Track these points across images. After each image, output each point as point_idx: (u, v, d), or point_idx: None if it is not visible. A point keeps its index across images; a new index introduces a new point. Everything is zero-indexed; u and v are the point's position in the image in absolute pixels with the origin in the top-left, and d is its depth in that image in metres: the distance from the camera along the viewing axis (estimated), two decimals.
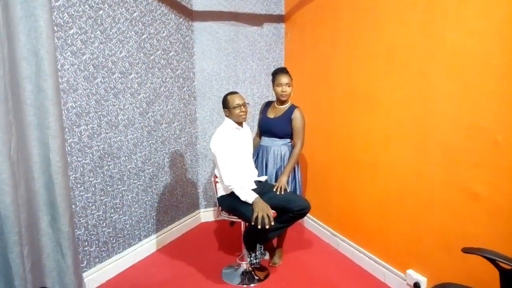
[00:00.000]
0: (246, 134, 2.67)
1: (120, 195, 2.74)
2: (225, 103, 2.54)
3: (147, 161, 2.97)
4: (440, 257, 2.17)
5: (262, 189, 2.59)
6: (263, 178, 2.72)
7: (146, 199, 3.00)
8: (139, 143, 2.87)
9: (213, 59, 3.52)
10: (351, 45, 2.80)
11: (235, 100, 2.49)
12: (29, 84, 1.93)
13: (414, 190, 2.32)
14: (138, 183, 2.90)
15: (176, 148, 3.30)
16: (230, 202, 2.47)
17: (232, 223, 2.59)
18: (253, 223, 2.25)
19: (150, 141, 2.99)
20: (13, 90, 1.87)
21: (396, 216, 2.49)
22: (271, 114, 2.82)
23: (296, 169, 2.80)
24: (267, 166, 2.78)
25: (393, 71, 2.41)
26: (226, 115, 2.58)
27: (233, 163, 2.45)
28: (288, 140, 2.79)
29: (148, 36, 2.89)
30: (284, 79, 2.69)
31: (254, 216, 2.24)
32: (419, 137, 2.25)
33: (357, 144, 2.81)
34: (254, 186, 2.57)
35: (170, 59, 3.14)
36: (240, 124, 2.58)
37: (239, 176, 2.47)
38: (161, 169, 3.14)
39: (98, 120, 2.50)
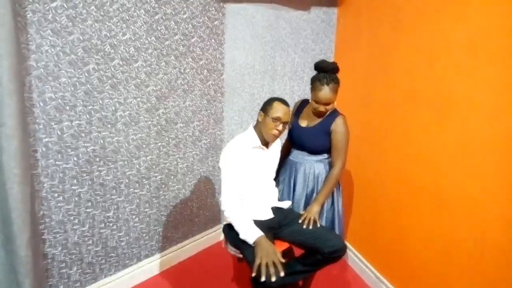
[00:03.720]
0: (271, 156, 2.07)
1: (115, 207, 2.27)
2: (266, 107, 1.96)
3: (153, 166, 2.48)
4: None
5: (283, 219, 1.99)
6: (285, 204, 2.10)
7: (150, 212, 2.51)
8: (143, 145, 2.38)
9: (247, 48, 2.94)
10: (418, 34, 2.07)
11: (279, 111, 1.91)
12: None
13: (499, 241, 1.58)
14: (140, 193, 2.42)
15: (194, 152, 2.78)
16: (234, 236, 1.89)
17: (240, 259, 2.01)
18: (253, 274, 1.65)
19: (160, 143, 2.49)
20: None
21: (469, 273, 1.75)
22: (304, 121, 2.18)
23: (335, 194, 2.14)
24: (295, 188, 2.15)
25: (477, 68, 1.68)
26: (258, 120, 2.00)
27: (240, 188, 1.88)
28: (325, 155, 2.14)
29: (164, 17, 2.38)
30: (324, 94, 2.00)
31: (256, 263, 1.65)
32: None
33: (417, 164, 2.08)
34: (270, 215, 1.97)
35: (192, 46, 2.61)
36: (265, 143, 2.00)
37: (244, 206, 1.90)
38: (172, 177, 2.63)
39: (88, 116, 2.04)
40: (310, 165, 2.12)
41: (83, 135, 2.03)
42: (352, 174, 2.80)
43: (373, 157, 2.53)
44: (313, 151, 2.11)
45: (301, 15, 3.00)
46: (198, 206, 2.91)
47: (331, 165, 2.11)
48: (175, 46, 2.48)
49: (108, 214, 2.24)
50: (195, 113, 2.73)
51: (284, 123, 1.93)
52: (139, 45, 2.25)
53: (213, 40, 2.77)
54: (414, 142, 2.12)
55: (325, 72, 2.03)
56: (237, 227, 1.84)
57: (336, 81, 2.04)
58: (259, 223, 1.88)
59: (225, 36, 2.87)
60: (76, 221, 2.08)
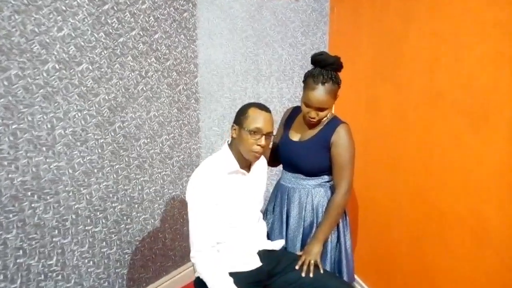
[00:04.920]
0: (255, 181, 1.59)
1: (59, 251, 1.78)
2: (240, 118, 1.49)
3: (110, 195, 1.98)
4: None
5: (275, 266, 1.52)
6: (277, 245, 1.62)
7: (108, 252, 2.02)
8: (95, 170, 1.89)
9: (225, 45, 2.45)
10: (438, 17, 1.61)
11: (257, 120, 1.44)
12: None
13: None
14: (94, 230, 1.93)
15: (164, 173, 2.29)
16: None
17: None
18: None
19: (117, 166, 2.00)
20: None
21: None
22: (296, 134, 1.71)
23: (341, 226, 1.66)
24: (288, 222, 1.67)
25: None
26: (232, 137, 1.53)
27: (214, 230, 1.41)
28: (326, 178, 1.66)
29: (115, 7, 1.89)
30: (316, 95, 1.53)
31: None
32: None
33: (447, 184, 1.62)
34: (257, 263, 1.49)
35: (156, 44, 2.12)
36: (246, 164, 1.52)
37: (221, 252, 1.42)
38: (136, 206, 2.14)
39: (12, 138, 1.54)
40: (307, 192, 1.64)
41: (5, 163, 1.53)
42: (357, 193, 2.33)
43: (384, 173, 2.06)
44: (310, 173, 1.63)
45: (287, 4, 2.53)
46: (172, 237, 2.42)
47: (334, 190, 1.64)
48: (132, 44, 2.00)
49: (49, 262, 1.74)
50: (162, 125, 2.23)
51: (267, 135, 1.46)
52: (82, 43, 1.76)
53: (182, 36, 2.29)
54: (440, 156, 1.65)
55: (323, 67, 1.56)
56: (210, 285, 1.35)
57: (336, 81, 1.57)
58: (242, 277, 1.40)
59: (197, 31, 2.38)
60: (1, 277, 1.58)
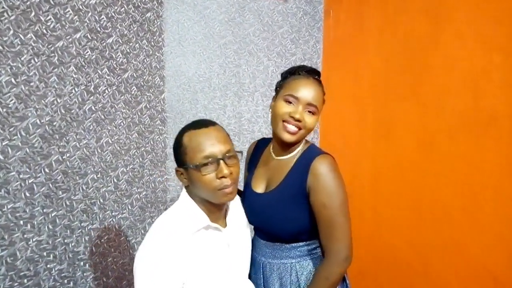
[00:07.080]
0: (236, 237, 1.11)
1: None
2: (178, 153, 1.02)
3: (44, 254, 1.47)
4: None
5: None
6: None
7: None
8: (20, 222, 1.38)
9: (199, 53, 2.01)
10: (488, 13, 1.22)
11: (202, 146, 0.97)
12: None
13: None
14: None
15: (120, 216, 1.79)
16: None
17: None
18: None
19: (54, 213, 1.49)
20: None
21: None
22: (260, 181, 1.20)
23: None
24: None
25: None
26: (184, 186, 1.06)
27: None
28: (314, 243, 1.16)
29: (52, 0, 1.40)
30: (305, 84, 1.09)
31: None
32: None
33: (504, 242, 1.21)
34: None
35: (109, 50, 1.65)
36: (219, 215, 1.05)
37: None
38: (81, 263, 1.63)
39: None
40: (289, 269, 1.14)
41: None
42: (370, 247, 1.89)
43: (406, 220, 1.64)
44: (287, 239, 1.14)
45: (274, 5, 2.12)
46: None
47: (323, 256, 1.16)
48: (76, 50, 1.52)
49: None
50: (118, 155, 1.74)
51: (228, 157, 0.98)
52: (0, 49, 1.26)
53: (145, 41, 1.82)
54: (493, 202, 1.25)
55: (298, 69, 1.16)
56: None
57: (320, 81, 1.16)
58: None
59: (164, 35, 1.92)
60: None
